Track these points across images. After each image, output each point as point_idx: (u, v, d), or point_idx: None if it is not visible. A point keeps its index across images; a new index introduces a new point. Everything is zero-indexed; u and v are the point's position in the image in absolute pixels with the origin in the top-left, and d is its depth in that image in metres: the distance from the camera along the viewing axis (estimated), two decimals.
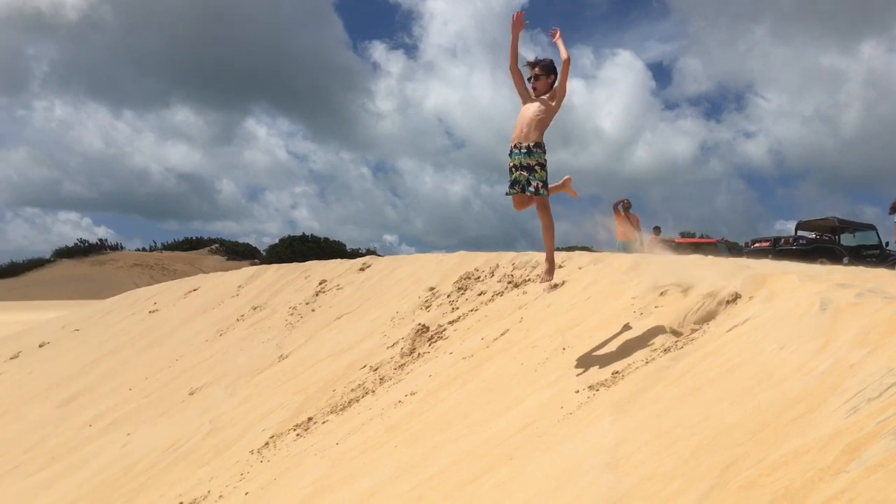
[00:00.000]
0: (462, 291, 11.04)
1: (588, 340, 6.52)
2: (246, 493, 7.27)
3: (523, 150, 5.66)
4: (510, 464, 4.56)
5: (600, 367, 5.58)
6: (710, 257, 8.50)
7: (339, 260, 17.82)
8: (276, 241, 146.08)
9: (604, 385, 5.12)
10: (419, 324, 10.26)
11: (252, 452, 8.62)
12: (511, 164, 5.75)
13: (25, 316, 47.61)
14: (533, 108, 5.73)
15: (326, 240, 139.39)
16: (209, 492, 7.96)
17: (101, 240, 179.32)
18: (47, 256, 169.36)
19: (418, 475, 5.33)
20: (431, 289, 11.76)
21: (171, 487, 8.69)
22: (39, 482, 10.49)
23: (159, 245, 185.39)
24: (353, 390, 9.20)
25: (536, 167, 5.61)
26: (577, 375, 5.67)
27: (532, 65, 5.81)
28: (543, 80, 5.80)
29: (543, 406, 5.35)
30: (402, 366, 9.18)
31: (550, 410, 5.19)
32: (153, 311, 20.68)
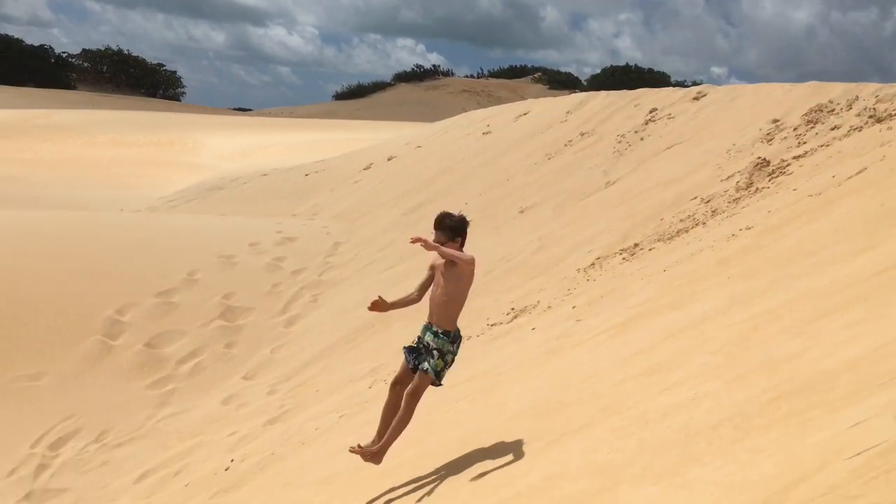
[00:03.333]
0: (811, 125, 10.11)
1: None
2: (573, 307, 7.67)
3: (432, 330, 5.11)
4: (864, 306, 4.27)
5: None
6: None
7: (671, 88, 17.12)
8: (598, 70, 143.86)
9: None
10: (759, 157, 9.66)
11: (579, 270, 9.00)
12: (420, 334, 5.20)
13: (370, 134, 52.58)
14: (440, 287, 5.11)
15: (650, 71, 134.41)
16: (539, 302, 8.52)
17: (434, 66, 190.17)
18: (388, 80, 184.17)
19: (754, 308, 5.21)
20: (775, 121, 10.91)
21: (504, 294, 9.44)
22: (391, 277, 11.98)
23: (485, 72, 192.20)
24: (682, 220, 9.07)
25: (435, 352, 5.06)
26: None
27: (435, 226, 5.02)
28: (449, 247, 4.98)
29: None
30: (736, 199, 8.81)
31: None
32: (486, 133, 21.76)
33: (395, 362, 8.73)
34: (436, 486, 4.99)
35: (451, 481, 4.93)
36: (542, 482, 4.06)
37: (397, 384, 5.13)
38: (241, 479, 7.46)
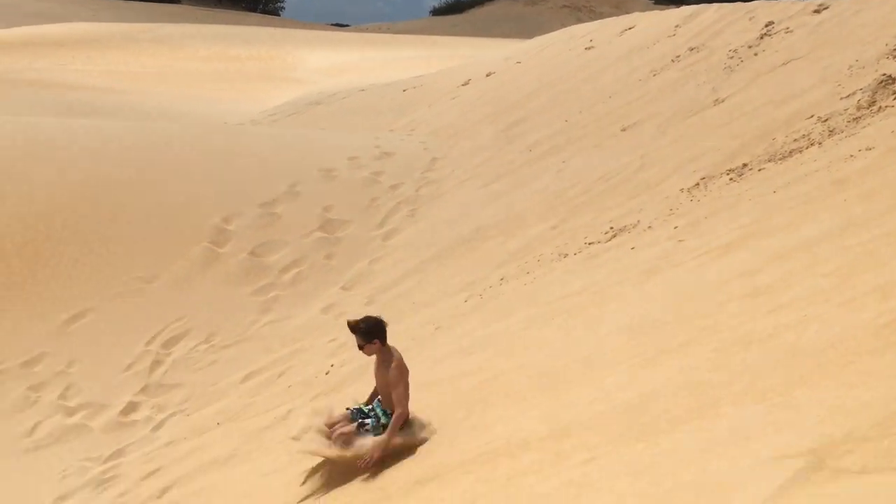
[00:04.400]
0: None
1: None
2: (675, 227, 7.50)
3: (381, 409, 5.18)
4: None
5: None
6: None
7: (789, 0, 16.09)
8: None
9: None
10: (884, 74, 9.04)
11: (682, 191, 8.76)
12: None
13: (468, 51, 51.75)
14: (380, 375, 5.16)
15: None
16: (638, 222, 8.37)
17: None
18: None
19: (871, 231, 4.96)
20: None
21: (601, 213, 9.31)
22: (488, 194, 11.98)
23: None
24: (795, 140, 8.65)
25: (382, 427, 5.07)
26: None
27: (351, 330, 5.15)
28: (368, 348, 5.11)
29: None
30: (857, 119, 8.31)
31: None
32: (589, 48, 21.08)
33: (493, 277, 8.81)
34: (529, 399, 5.05)
35: (544, 395, 4.98)
36: (639, 398, 4.05)
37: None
38: (341, 383, 7.75)
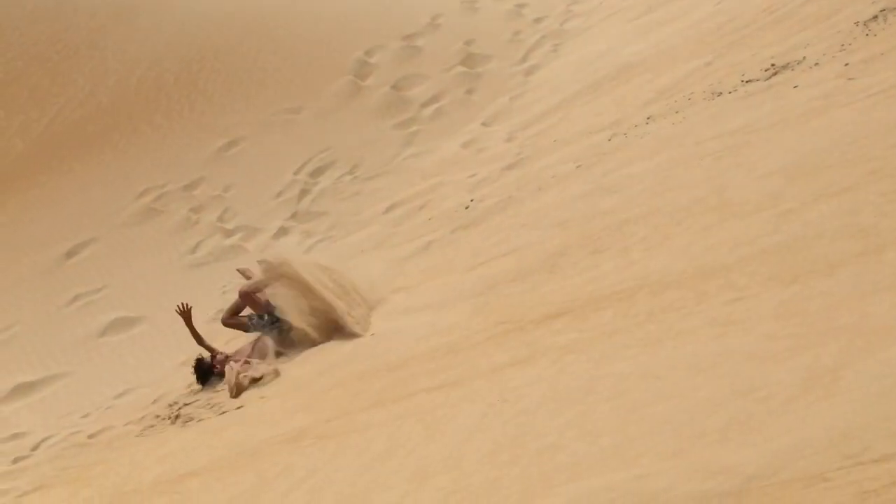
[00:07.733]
0: None
1: None
2: (846, 65, 6.89)
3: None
4: None
5: None
6: None
7: None
8: None
9: None
10: None
11: (857, 24, 7.96)
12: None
13: None
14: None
15: None
16: (804, 58, 7.74)
17: None
18: None
19: None
20: None
21: (762, 49, 8.65)
22: (637, 28, 11.36)
23: None
24: None
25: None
26: None
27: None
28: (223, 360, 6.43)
29: None
30: None
31: None
32: None
33: (639, 116, 8.50)
34: (670, 241, 4.99)
35: (687, 236, 4.90)
36: (793, 241, 3.90)
37: None
38: (480, 217, 7.88)
